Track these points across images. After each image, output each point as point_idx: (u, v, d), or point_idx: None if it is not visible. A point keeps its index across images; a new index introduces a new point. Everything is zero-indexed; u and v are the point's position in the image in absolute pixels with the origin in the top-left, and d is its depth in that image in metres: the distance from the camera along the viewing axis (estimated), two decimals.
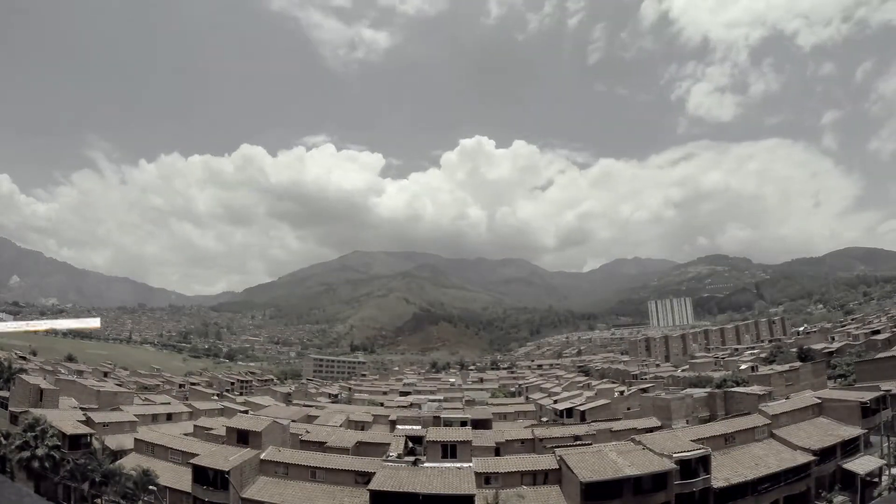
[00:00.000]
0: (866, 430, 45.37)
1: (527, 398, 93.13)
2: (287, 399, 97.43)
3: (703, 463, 36.82)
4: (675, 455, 36.41)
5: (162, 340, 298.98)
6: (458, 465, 37.84)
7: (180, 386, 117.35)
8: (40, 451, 40.47)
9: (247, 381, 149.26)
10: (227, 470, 37.40)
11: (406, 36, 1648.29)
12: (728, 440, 42.02)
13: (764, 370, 78.61)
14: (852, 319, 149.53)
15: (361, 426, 64.10)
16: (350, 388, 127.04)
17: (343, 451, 46.29)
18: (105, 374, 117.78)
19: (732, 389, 58.45)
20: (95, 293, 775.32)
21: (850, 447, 42.70)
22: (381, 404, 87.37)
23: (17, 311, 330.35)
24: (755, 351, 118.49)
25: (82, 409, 58.64)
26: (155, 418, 60.03)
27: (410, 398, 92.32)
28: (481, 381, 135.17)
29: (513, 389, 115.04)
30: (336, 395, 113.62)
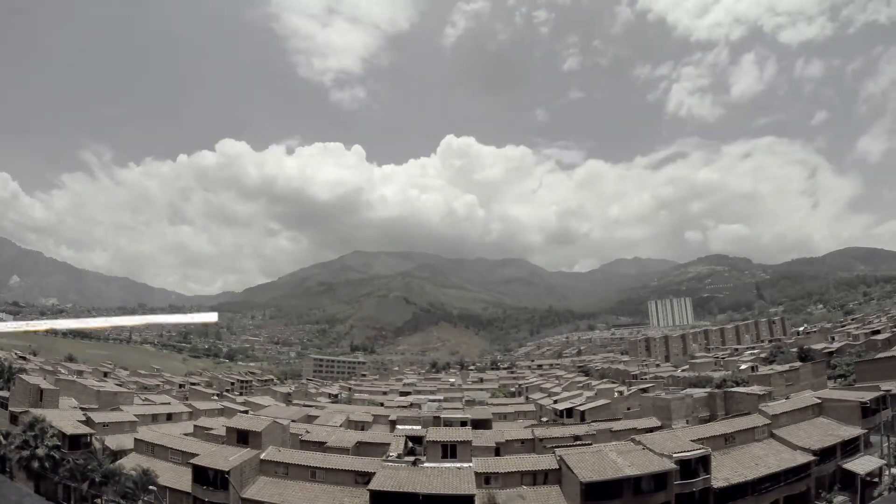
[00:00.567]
0: (866, 430, 45.36)
1: (527, 398, 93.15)
2: (287, 399, 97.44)
3: (703, 463, 36.82)
4: (675, 455, 36.41)
5: (162, 340, 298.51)
6: (458, 465, 37.85)
7: (180, 386, 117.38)
8: (40, 451, 40.53)
9: (247, 382, 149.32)
10: (227, 470, 37.40)
11: (380, 46, 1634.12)
12: (728, 440, 42.02)
13: (764, 370, 78.60)
14: (852, 319, 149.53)
15: (361, 426, 64.10)
16: (350, 388, 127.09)
17: (343, 451, 46.30)
18: (105, 374, 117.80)
19: (732, 389, 58.44)
20: (95, 293, 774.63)
21: (850, 447, 42.69)
22: (381, 404, 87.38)
23: (17, 311, 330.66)
24: (755, 351, 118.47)
25: (82, 409, 58.64)
26: (155, 418, 60.03)
27: (410, 398, 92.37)
28: (481, 381, 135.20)
29: (513, 389, 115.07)
30: (336, 395, 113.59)
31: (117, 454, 45.66)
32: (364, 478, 36.84)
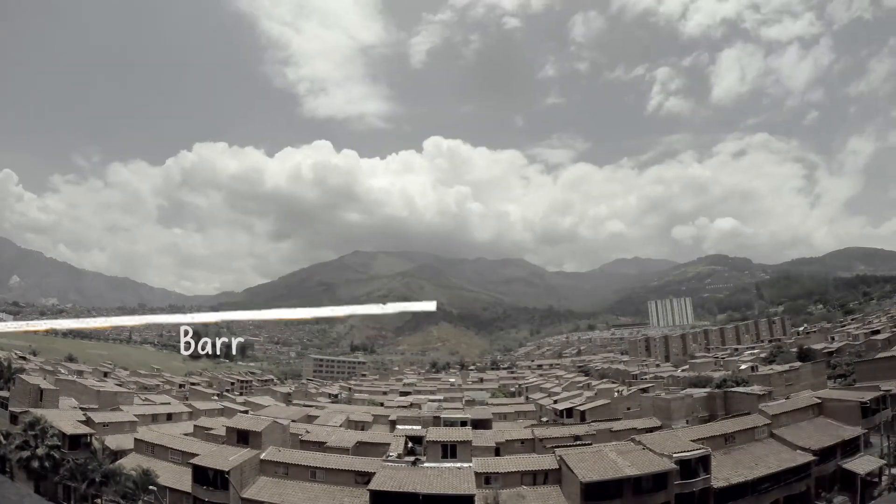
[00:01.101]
0: (866, 430, 45.39)
1: (527, 398, 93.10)
2: (287, 399, 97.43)
3: (703, 463, 36.84)
4: (675, 455, 36.42)
5: (162, 340, 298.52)
6: (458, 465, 37.86)
7: (180, 386, 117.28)
8: (40, 451, 40.53)
9: (247, 382, 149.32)
10: (227, 470, 37.41)
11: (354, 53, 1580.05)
12: (728, 440, 42.05)
13: (764, 370, 78.63)
14: (852, 319, 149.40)
15: (361, 426, 64.06)
16: (350, 388, 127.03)
17: (343, 451, 46.30)
18: (105, 374, 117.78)
19: (732, 389, 58.40)
20: (96, 293, 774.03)
21: (850, 447, 42.73)
22: (381, 404, 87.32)
23: (17, 311, 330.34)
24: (755, 351, 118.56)
25: (82, 409, 58.57)
26: (155, 418, 59.99)
27: (410, 398, 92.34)
28: (481, 381, 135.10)
29: (513, 389, 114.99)
30: (336, 395, 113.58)
31: (117, 454, 45.62)
32: (364, 478, 36.84)
